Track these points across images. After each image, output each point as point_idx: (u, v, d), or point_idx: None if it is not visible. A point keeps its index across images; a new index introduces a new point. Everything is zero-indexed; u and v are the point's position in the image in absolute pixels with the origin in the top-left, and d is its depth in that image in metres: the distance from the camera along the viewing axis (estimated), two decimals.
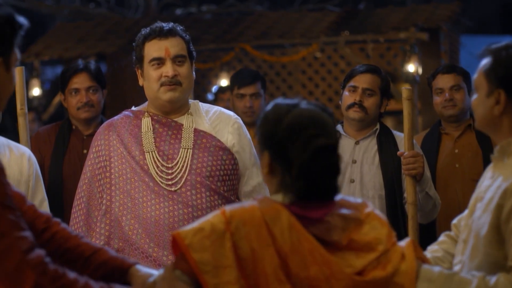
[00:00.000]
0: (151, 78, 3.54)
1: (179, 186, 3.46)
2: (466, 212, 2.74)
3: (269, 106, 2.44)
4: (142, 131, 3.56)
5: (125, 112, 3.67)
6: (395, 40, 8.83)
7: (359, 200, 2.50)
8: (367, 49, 8.92)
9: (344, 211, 2.41)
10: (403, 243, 2.50)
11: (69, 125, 4.94)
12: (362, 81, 4.31)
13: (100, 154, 3.60)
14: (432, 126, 5.08)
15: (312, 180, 2.35)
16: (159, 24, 3.57)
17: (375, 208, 2.51)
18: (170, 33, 3.54)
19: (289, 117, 2.37)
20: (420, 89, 8.64)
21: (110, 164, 3.55)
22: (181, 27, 3.62)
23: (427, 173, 4.10)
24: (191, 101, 3.66)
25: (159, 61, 3.53)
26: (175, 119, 3.59)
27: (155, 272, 2.52)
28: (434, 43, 9.00)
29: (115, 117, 3.67)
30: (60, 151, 4.85)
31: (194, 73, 3.63)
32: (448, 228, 2.98)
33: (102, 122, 4.88)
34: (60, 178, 4.79)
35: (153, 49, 3.54)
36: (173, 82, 3.51)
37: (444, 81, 4.83)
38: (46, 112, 9.42)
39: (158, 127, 3.57)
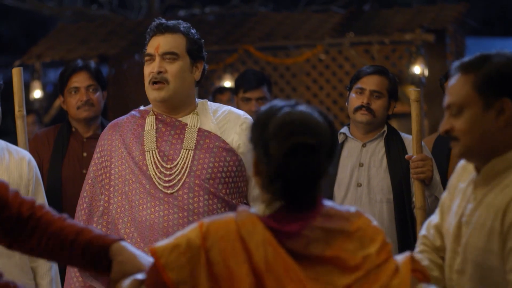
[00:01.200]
0: (144, 75, 3.47)
1: (176, 188, 3.36)
2: (434, 221, 2.67)
3: (264, 107, 2.33)
4: (145, 130, 3.48)
5: (132, 112, 3.58)
6: (401, 41, 8.77)
7: (352, 208, 2.34)
8: (372, 51, 8.86)
9: (329, 223, 2.27)
10: (400, 257, 2.36)
11: (69, 128, 4.85)
12: (370, 82, 4.21)
13: (103, 154, 3.52)
14: None
15: (288, 181, 2.21)
16: (162, 20, 3.49)
17: (370, 217, 2.36)
18: (168, 29, 3.44)
19: (278, 116, 2.25)
20: (426, 91, 8.55)
21: (111, 165, 3.47)
22: (187, 25, 3.50)
23: (437, 177, 4.00)
24: (198, 101, 3.55)
25: (150, 58, 3.44)
26: (180, 119, 3.49)
27: (140, 254, 2.43)
28: (440, 45, 8.95)
29: (122, 117, 3.59)
30: (59, 154, 4.76)
31: (199, 75, 3.50)
32: None
33: (102, 124, 4.84)
34: (59, 182, 4.69)
35: (149, 45, 3.47)
36: (158, 79, 3.40)
37: None
38: (47, 114, 9.35)
39: (161, 126, 3.48)
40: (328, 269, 2.23)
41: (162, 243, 2.25)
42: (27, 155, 3.90)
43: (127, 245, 2.48)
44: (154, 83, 3.40)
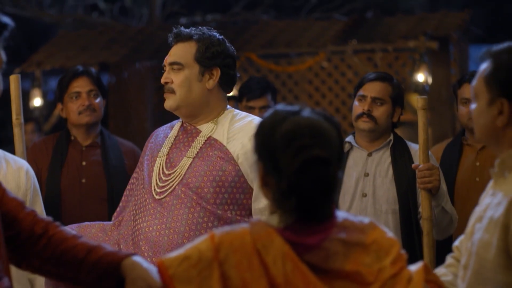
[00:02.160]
0: None
1: (164, 195, 3.36)
2: (466, 231, 2.55)
3: (268, 113, 2.24)
4: (168, 136, 3.53)
5: (175, 120, 3.62)
6: (404, 49, 8.70)
7: (365, 220, 2.27)
8: (375, 59, 8.79)
9: (346, 234, 2.20)
10: (414, 267, 2.30)
11: (68, 136, 4.76)
12: (371, 89, 4.15)
13: (140, 160, 3.60)
14: (455, 136, 4.88)
15: (302, 197, 2.14)
16: (180, 28, 3.51)
17: (384, 228, 2.29)
18: (179, 38, 3.47)
19: (284, 125, 2.16)
20: (430, 99, 8.46)
21: (140, 171, 3.55)
22: (203, 32, 3.45)
23: (444, 186, 3.93)
24: (229, 108, 3.52)
25: (164, 67, 3.50)
26: (198, 127, 3.49)
27: (153, 270, 2.36)
28: (443, 52, 8.87)
29: (165, 125, 3.65)
30: (57, 162, 4.67)
31: (210, 81, 3.44)
32: None
33: (101, 133, 4.76)
34: (58, 191, 4.61)
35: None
36: (166, 89, 3.45)
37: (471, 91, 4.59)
38: (48, 122, 9.27)
39: (181, 134, 3.50)
40: (346, 284, 2.17)
41: (171, 254, 2.19)
42: (24, 164, 3.83)
43: (139, 260, 2.43)
44: (164, 92, 3.47)
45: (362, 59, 8.86)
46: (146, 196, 3.39)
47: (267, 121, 2.21)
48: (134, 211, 3.43)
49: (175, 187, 3.35)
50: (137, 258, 2.43)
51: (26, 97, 9.17)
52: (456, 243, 2.70)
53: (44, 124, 9.04)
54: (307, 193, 2.14)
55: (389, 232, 2.29)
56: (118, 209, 3.59)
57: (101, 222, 3.55)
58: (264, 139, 2.19)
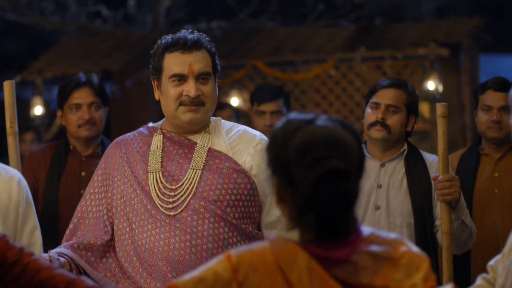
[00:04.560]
0: (169, 95, 3.21)
1: (179, 210, 3.13)
2: (504, 251, 2.44)
3: (280, 123, 2.08)
4: (151, 149, 3.26)
5: (140, 129, 3.37)
6: (414, 56, 8.55)
7: (392, 235, 2.11)
8: (383, 67, 8.65)
9: (375, 248, 2.04)
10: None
11: (66, 145, 4.56)
12: (385, 96, 3.95)
13: (105, 172, 3.30)
14: (470, 145, 4.70)
15: (320, 213, 1.98)
16: (183, 34, 3.22)
17: (411, 244, 2.12)
18: (195, 46, 3.19)
19: (298, 135, 2.00)
20: None
21: (113, 184, 3.26)
22: (207, 38, 3.26)
23: (462, 198, 3.74)
24: (212, 118, 3.33)
25: (181, 78, 3.19)
26: (189, 137, 3.26)
27: None
28: (453, 60, 8.74)
29: (128, 134, 3.37)
30: (55, 173, 4.47)
31: (217, 88, 3.29)
32: (484, 261, 2.72)
33: (102, 142, 4.56)
34: (55, 203, 4.41)
35: (175, 63, 3.19)
36: (195, 103, 3.18)
37: (494, 98, 4.39)
38: (48, 132, 9.13)
39: (168, 145, 3.25)
40: None
41: (184, 277, 2.04)
42: (16, 174, 3.66)
43: None
44: (190, 105, 3.19)
45: (371, 67, 8.75)
46: (153, 212, 3.15)
47: (279, 132, 2.06)
48: (130, 231, 3.18)
49: (189, 201, 3.13)
50: None
51: (27, 106, 9.05)
52: (491, 262, 2.60)
53: (45, 133, 8.90)
54: (325, 209, 1.98)
55: (416, 247, 2.14)
56: (71, 227, 3.30)
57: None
58: (277, 152, 2.03)
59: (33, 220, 3.68)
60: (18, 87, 4.24)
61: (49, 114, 9.36)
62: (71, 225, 3.31)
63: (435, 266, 3.77)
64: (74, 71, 8.85)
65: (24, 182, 3.66)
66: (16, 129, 3.82)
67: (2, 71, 12.45)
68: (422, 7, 13.17)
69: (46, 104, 9.23)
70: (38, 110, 8.90)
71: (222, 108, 6.81)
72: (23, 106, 10.19)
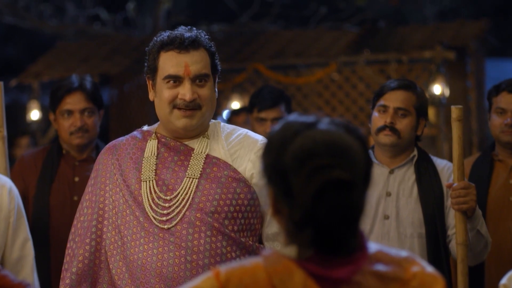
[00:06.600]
0: (163, 97, 2.96)
1: (174, 223, 2.90)
2: None
3: (277, 126, 1.86)
4: (145, 155, 3.02)
5: (134, 133, 3.12)
6: (419, 60, 8.38)
7: (403, 253, 1.91)
8: (388, 70, 8.48)
9: (381, 267, 1.84)
10: None
11: (59, 149, 4.34)
12: (394, 99, 3.75)
13: (97, 181, 3.06)
14: (483, 150, 4.49)
15: (319, 229, 1.78)
16: (180, 31, 2.97)
17: (424, 262, 1.92)
18: (193, 45, 2.94)
19: (297, 140, 1.79)
20: (447, 112, 8.13)
21: (105, 194, 3.02)
22: (206, 35, 3.02)
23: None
24: (212, 121, 3.08)
25: (176, 79, 2.94)
26: (186, 143, 3.02)
27: None
28: (459, 63, 8.59)
29: (121, 138, 3.12)
30: (47, 178, 4.25)
31: (216, 90, 3.04)
32: (498, 272, 2.47)
33: (97, 147, 4.35)
34: (47, 210, 4.20)
35: (170, 63, 2.94)
36: (191, 107, 2.93)
37: (508, 101, 4.20)
38: (45, 137, 8.97)
39: (163, 151, 3.02)
40: None
41: None
42: (7, 182, 3.50)
43: None
44: (185, 109, 2.95)
45: (375, 70, 8.59)
46: (146, 225, 2.92)
47: (276, 136, 1.84)
48: (122, 246, 2.95)
49: (185, 213, 2.91)
50: None
51: (24, 110, 8.91)
52: (504, 281, 2.47)
53: (42, 138, 8.75)
54: (326, 224, 1.78)
55: (430, 267, 1.93)
56: (69, 252, 3.03)
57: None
58: (273, 159, 1.81)
59: (25, 231, 3.54)
60: (15, 91, 4.07)
61: (46, 118, 9.20)
62: (69, 250, 3.06)
63: (448, 278, 3.59)
64: (72, 74, 8.72)
65: (15, 191, 3.51)
66: (5, 133, 3.68)
67: (1, 75, 12.33)
68: (425, 11, 13.02)
69: (43, 109, 9.07)
70: (34, 114, 8.76)
71: (238, 113, 6.59)
72: (20, 111, 10.06)
